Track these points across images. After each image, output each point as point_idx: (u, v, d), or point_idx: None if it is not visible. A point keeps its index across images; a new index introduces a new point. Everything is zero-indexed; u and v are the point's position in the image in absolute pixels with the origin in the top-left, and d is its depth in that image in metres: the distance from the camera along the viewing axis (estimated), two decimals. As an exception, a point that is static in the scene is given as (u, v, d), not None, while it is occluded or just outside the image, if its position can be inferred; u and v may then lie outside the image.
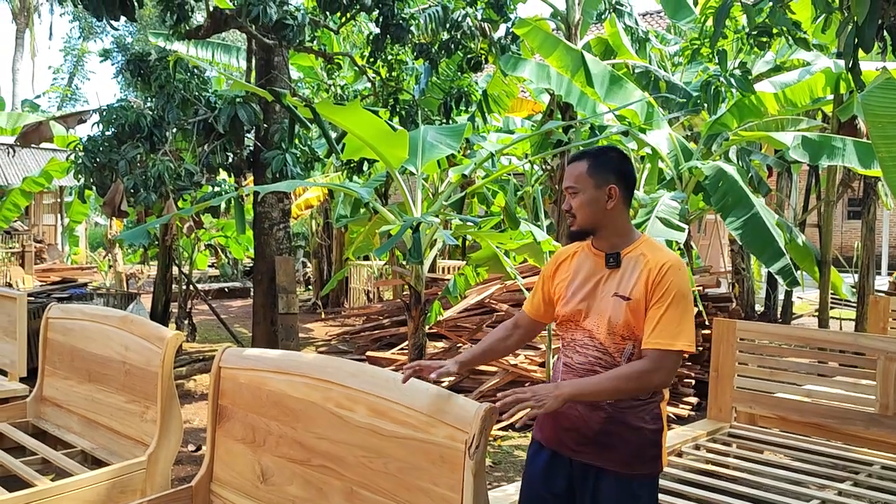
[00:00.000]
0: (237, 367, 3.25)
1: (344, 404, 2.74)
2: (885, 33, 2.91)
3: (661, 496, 3.58)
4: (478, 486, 2.29)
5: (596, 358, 2.31)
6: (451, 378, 2.57)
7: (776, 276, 5.55)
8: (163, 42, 10.87)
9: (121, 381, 4.03)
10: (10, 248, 11.34)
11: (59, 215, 17.77)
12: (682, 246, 6.02)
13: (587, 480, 2.33)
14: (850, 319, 9.02)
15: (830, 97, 7.14)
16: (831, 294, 9.02)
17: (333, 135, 5.83)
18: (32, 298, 7.11)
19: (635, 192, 7.11)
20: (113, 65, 29.43)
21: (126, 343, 4.02)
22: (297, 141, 6.39)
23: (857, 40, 2.68)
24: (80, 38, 29.54)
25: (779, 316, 9.82)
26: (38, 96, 24.54)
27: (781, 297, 9.89)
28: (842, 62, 3.97)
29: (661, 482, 3.77)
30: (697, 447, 4.39)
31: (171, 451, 3.76)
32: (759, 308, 11.14)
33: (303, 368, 2.99)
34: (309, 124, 4.67)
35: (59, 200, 17.43)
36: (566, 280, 2.42)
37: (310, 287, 14.25)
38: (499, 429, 5.74)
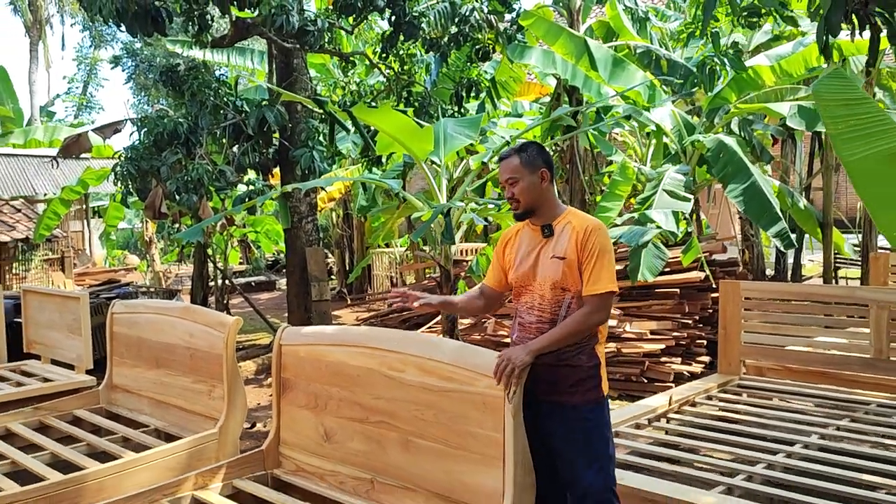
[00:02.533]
0: (297, 344, 3.71)
1: (396, 367, 3.19)
2: (853, 17, 3.29)
3: (678, 440, 4.03)
4: (517, 425, 2.74)
5: (541, 312, 2.81)
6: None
7: (773, 239, 5.92)
8: (179, 48, 11.27)
9: (187, 365, 4.49)
10: (48, 254, 11.87)
11: (84, 222, 18.28)
12: (687, 216, 6.40)
13: (549, 412, 2.81)
14: (856, 277, 9.37)
15: (825, 66, 7.47)
16: (838, 255, 9.38)
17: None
18: (84, 299, 7.58)
19: (642, 167, 7.49)
20: (123, 71, 29.94)
21: (190, 330, 4.48)
22: (321, 138, 6.81)
23: (826, 26, 3.06)
24: (91, 46, 30.09)
25: (789, 278, 10.17)
26: (52, 102, 25.07)
27: (791, 260, 10.24)
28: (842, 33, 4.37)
29: (679, 428, 4.22)
30: (710, 398, 4.80)
31: (238, 423, 4.22)
32: (769, 272, 11.48)
33: (358, 339, 3.44)
34: (346, 125, 5.09)
35: (84, 207, 17.92)
36: (514, 253, 2.95)
37: (333, 277, 14.72)
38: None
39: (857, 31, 3.32)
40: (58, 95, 28.82)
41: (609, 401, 2.89)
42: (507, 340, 6.75)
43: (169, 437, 4.44)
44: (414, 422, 3.11)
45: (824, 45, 3.15)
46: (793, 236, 6.04)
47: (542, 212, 2.86)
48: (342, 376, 3.43)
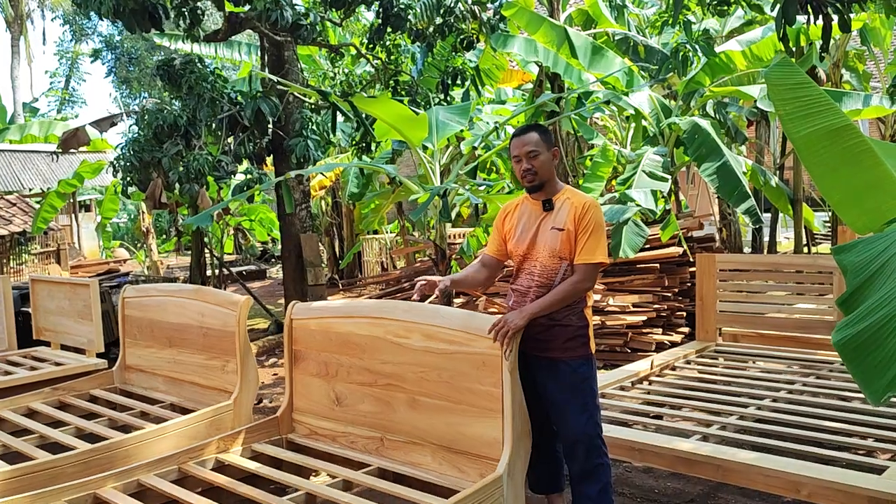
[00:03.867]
0: (307, 318, 4.01)
1: (401, 334, 3.50)
2: (808, 6, 3.62)
3: (660, 398, 4.38)
4: (514, 380, 3.06)
5: (538, 278, 3.13)
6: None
7: (743, 216, 6.28)
8: (167, 42, 11.44)
9: (200, 343, 4.78)
10: (42, 248, 12.06)
11: (72, 216, 18.40)
12: (665, 195, 6.75)
13: (544, 367, 3.15)
14: (827, 253, 9.79)
15: (793, 50, 7.82)
16: (810, 231, 9.79)
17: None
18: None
19: (622, 149, 7.81)
20: (104, 64, 29.92)
21: (201, 310, 4.77)
22: (314, 127, 7.08)
23: (783, 16, 3.39)
24: (72, 40, 30.01)
25: (765, 254, 10.56)
26: (36, 99, 25.07)
27: (767, 238, 10.64)
28: (802, 18, 4.70)
29: (660, 389, 4.57)
30: (688, 362, 5.17)
31: (251, 395, 4.53)
32: (747, 250, 11.89)
33: (364, 311, 3.75)
34: (347, 114, 5.38)
35: (72, 202, 18.04)
36: (514, 225, 3.26)
37: (324, 264, 15.00)
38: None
39: (811, 20, 3.65)
40: (43, 94, 28.77)
41: (595, 360, 3.23)
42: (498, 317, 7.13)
43: (185, 411, 4.72)
44: (419, 382, 3.42)
45: (782, 34, 3.48)
46: (766, 216, 6.39)
47: (548, 186, 3.17)
48: (351, 345, 3.74)
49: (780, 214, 9.34)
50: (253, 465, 3.68)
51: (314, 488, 3.35)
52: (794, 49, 6.83)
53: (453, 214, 5.70)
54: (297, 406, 4.08)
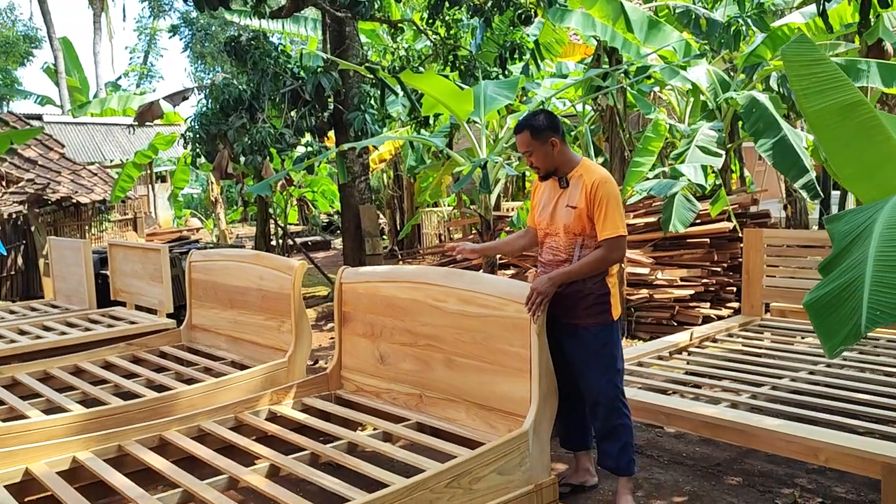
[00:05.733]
0: (355, 282, 4.26)
1: (439, 298, 3.71)
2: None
3: (696, 368, 4.48)
4: (541, 343, 3.23)
5: (559, 252, 3.30)
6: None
7: (801, 191, 6.21)
8: (237, 18, 11.84)
9: (259, 305, 5.10)
10: (120, 216, 12.75)
11: (148, 186, 19.25)
12: (716, 170, 6.73)
13: (567, 332, 3.31)
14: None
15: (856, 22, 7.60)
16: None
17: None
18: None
19: (677, 124, 7.79)
20: (181, 40, 30.88)
21: (261, 274, 5.08)
22: (373, 102, 7.31)
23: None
24: (150, 17, 31.13)
25: (815, 230, 10.33)
26: (119, 77, 26.15)
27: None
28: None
29: (697, 360, 4.66)
30: (731, 335, 5.22)
31: (304, 353, 4.82)
32: (814, 228, 11.64)
33: (406, 276, 3.98)
34: (395, 90, 5.56)
35: (149, 172, 18.85)
36: (539, 200, 3.46)
37: (385, 236, 15.34)
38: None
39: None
40: (125, 73, 29.95)
41: (619, 323, 3.36)
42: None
43: (243, 368, 5.05)
44: (455, 343, 3.63)
45: (822, 10, 3.48)
46: (836, 193, 6.23)
47: (560, 169, 3.33)
48: (394, 308, 3.97)
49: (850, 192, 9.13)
50: (302, 417, 3.97)
51: (358, 438, 3.61)
52: (832, 25, 6.67)
53: (498, 188, 5.84)
54: (345, 364, 4.35)
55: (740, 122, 7.92)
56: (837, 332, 1.48)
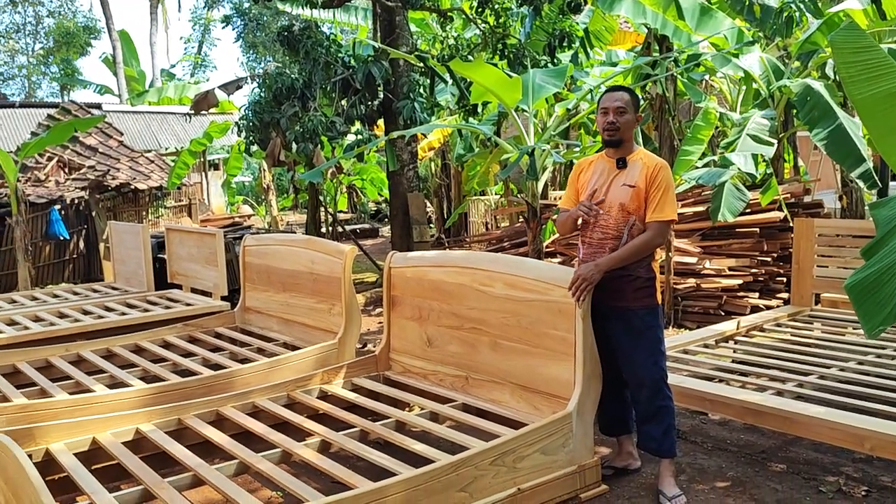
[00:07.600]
0: (403, 266, 4.37)
1: (485, 282, 3.79)
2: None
3: (745, 357, 4.47)
4: (586, 327, 3.30)
5: (608, 230, 3.32)
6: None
7: (857, 180, 6.08)
8: (289, 7, 12.03)
9: (310, 288, 5.26)
10: (175, 202, 13.12)
11: (203, 174, 19.69)
12: (767, 159, 6.63)
13: (614, 315, 3.34)
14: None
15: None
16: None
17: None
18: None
19: (728, 112, 7.70)
20: (234, 30, 31.42)
21: (312, 258, 5.23)
22: (422, 91, 7.40)
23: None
24: (205, 7, 31.76)
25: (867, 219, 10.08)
26: (174, 66, 26.76)
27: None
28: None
29: (744, 348, 4.65)
30: (779, 325, 5.18)
31: (354, 336, 4.96)
32: (869, 219, 11.36)
33: (454, 260, 4.07)
34: (444, 78, 5.64)
35: (203, 160, 19.26)
36: (587, 180, 3.47)
37: (432, 224, 15.44)
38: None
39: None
40: (179, 61, 30.62)
41: (661, 310, 3.41)
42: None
43: (295, 349, 5.22)
44: (500, 327, 3.71)
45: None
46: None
47: (625, 145, 3.37)
48: (441, 291, 4.07)
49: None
50: (352, 396, 4.10)
51: (405, 417, 3.73)
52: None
53: (545, 176, 5.88)
54: (393, 346, 4.47)
55: (794, 111, 7.79)
56: (877, 313, 1.52)
